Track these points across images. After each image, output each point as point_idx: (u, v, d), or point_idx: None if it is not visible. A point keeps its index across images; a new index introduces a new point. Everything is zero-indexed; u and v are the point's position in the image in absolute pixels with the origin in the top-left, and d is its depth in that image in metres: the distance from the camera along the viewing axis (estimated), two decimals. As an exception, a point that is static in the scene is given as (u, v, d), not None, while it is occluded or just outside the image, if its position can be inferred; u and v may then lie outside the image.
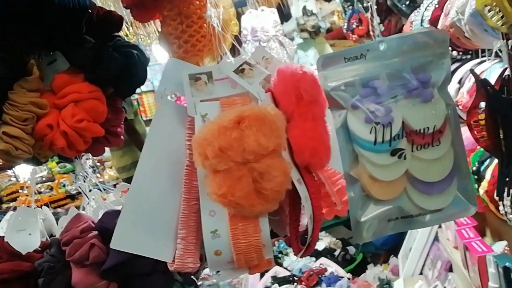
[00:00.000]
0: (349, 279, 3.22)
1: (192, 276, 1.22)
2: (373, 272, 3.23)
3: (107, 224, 1.28)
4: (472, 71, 1.47)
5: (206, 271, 3.15)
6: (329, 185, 1.18)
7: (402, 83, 1.06)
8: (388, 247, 3.70)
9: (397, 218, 1.08)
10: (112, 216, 1.29)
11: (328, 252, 3.80)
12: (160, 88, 1.10)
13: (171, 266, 1.06)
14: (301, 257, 1.08)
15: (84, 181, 1.42)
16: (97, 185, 1.49)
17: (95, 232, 1.33)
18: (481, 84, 1.33)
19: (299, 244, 1.09)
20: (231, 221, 1.02)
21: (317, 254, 3.74)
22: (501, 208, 1.81)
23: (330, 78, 1.05)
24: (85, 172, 1.43)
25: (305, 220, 1.15)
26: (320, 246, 3.92)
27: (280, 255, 3.82)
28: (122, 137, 1.44)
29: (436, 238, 2.86)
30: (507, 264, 1.63)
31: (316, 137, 1.06)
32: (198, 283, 1.26)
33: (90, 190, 1.49)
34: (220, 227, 1.03)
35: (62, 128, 1.28)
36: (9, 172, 6.34)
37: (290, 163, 1.04)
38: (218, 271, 1.08)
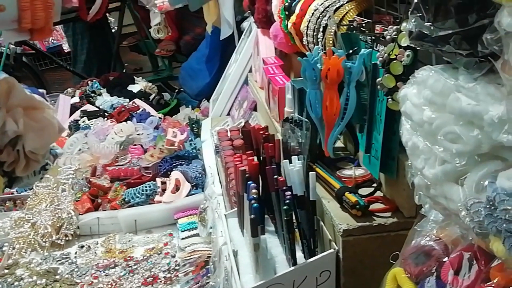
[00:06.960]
0: (160, 118, 3.29)
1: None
2: (184, 113, 3.33)
3: None
4: None
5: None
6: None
7: None
8: (202, 98, 3.82)
9: None
10: None
11: (143, 95, 3.81)
12: None
13: None
14: None
15: None
16: None
17: None
18: None
19: None
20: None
21: (131, 96, 3.73)
22: (304, 39, 1.95)
23: None
24: None
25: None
26: (135, 88, 3.91)
27: (93, 95, 3.73)
28: None
29: (246, 82, 3.00)
30: (302, 86, 1.77)
31: None
32: None
33: None
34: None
35: None
36: None
37: None
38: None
